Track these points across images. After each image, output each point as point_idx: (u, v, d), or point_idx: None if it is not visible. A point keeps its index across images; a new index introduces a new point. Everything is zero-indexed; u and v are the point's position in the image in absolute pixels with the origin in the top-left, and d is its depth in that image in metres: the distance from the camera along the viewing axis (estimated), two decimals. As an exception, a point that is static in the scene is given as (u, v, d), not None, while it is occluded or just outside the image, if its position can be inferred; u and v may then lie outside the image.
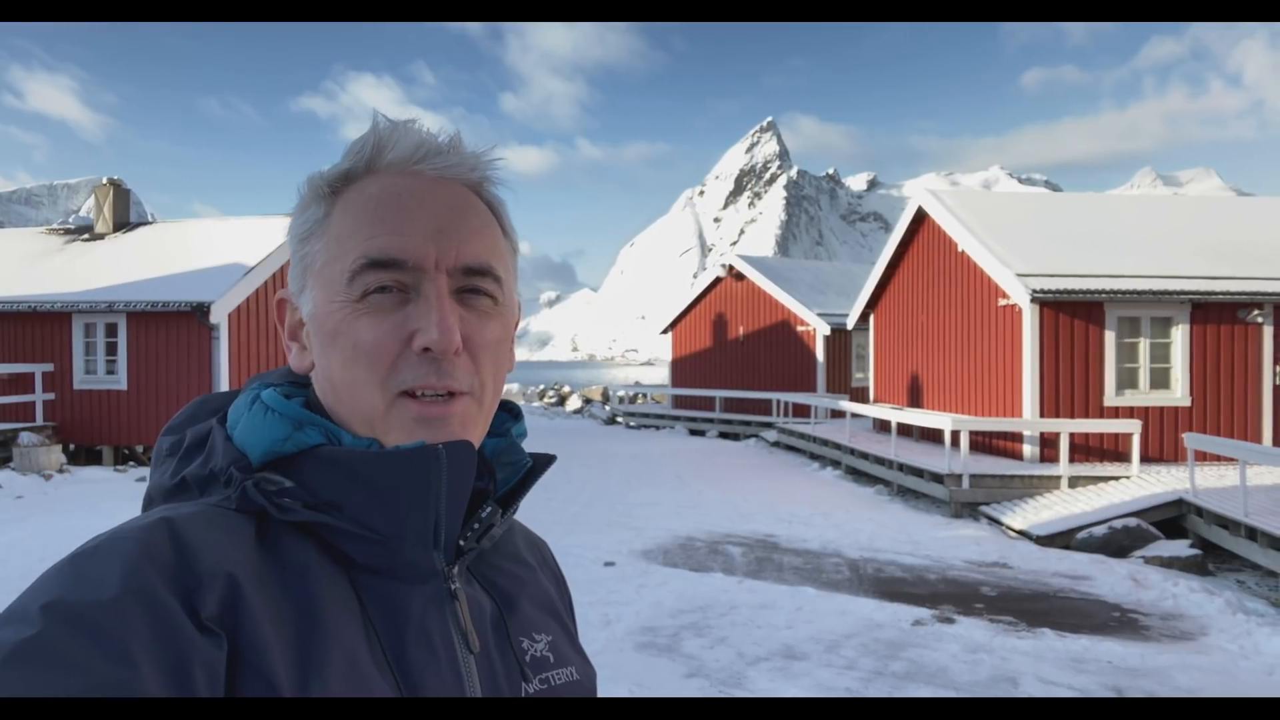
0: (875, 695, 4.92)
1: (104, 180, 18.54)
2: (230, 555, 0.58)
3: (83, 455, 14.83)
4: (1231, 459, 10.17)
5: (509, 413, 0.77)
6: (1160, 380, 11.81)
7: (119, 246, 16.97)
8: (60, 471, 13.06)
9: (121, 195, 18.50)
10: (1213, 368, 11.76)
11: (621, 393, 28.91)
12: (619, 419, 25.78)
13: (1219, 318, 11.78)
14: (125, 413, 14.45)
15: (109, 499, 11.01)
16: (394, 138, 0.69)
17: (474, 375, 0.67)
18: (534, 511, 10.25)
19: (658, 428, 23.54)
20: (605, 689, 4.77)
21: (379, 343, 0.64)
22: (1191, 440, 9.49)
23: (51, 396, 14.53)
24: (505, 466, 0.76)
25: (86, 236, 17.93)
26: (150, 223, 18.74)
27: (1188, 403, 11.70)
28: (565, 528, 9.50)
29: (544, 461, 0.78)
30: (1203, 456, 10.72)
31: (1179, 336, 11.76)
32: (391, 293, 0.65)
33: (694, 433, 22.18)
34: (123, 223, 18.28)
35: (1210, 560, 8.52)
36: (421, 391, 0.65)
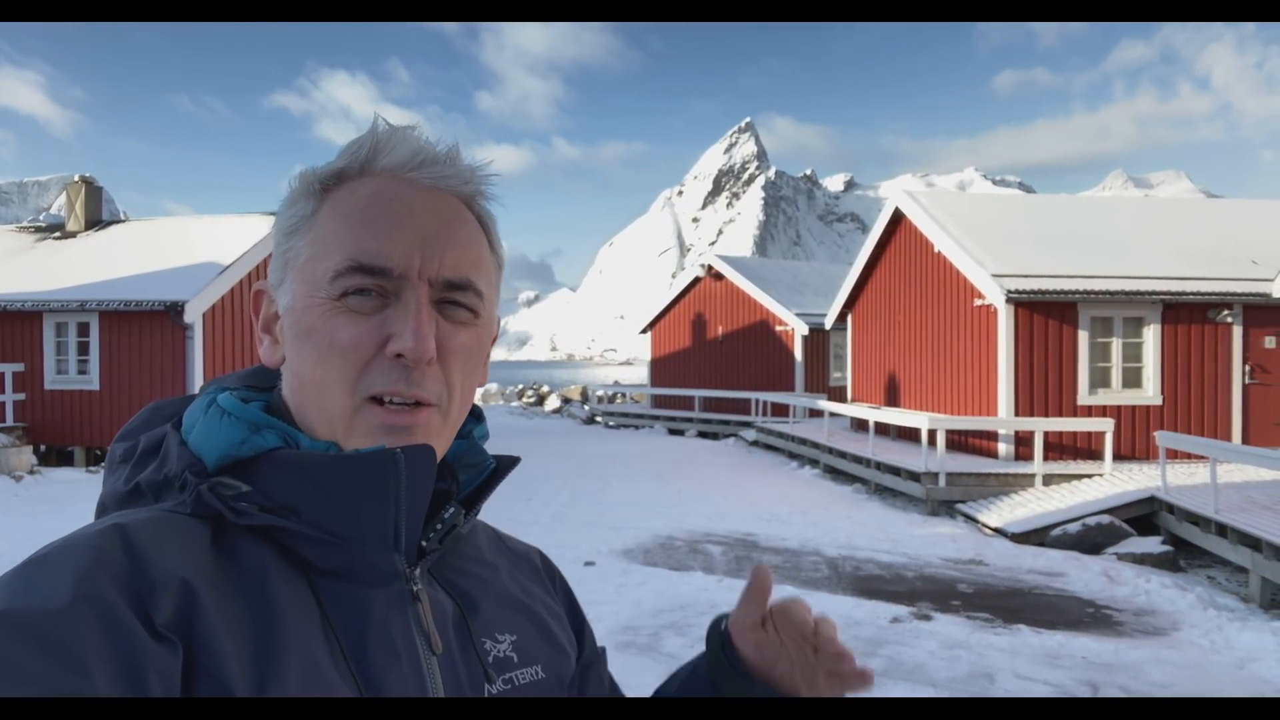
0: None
1: (76, 178, 18.29)
2: (185, 561, 0.57)
3: (54, 456, 14.60)
4: (1202, 457, 10.32)
5: (470, 415, 0.77)
6: (1132, 379, 11.98)
7: (91, 245, 16.74)
8: (31, 473, 12.86)
9: (94, 193, 18.25)
10: (1184, 367, 11.93)
11: (600, 392, 28.90)
12: (598, 418, 25.76)
13: (1190, 318, 11.96)
14: (97, 413, 14.25)
15: (80, 500, 10.85)
16: (392, 142, 0.69)
17: (443, 386, 0.67)
18: (513, 511, 10.23)
19: (637, 427, 23.54)
20: (586, 688, 4.77)
21: (355, 342, 0.64)
22: (1163, 438, 9.63)
23: (22, 397, 14.31)
24: (467, 469, 0.76)
25: (58, 235, 17.67)
26: (123, 221, 18.50)
27: (1159, 401, 11.87)
28: (545, 527, 9.48)
29: (508, 463, 0.78)
30: (1174, 454, 10.87)
31: (1150, 336, 11.93)
32: (371, 296, 0.65)
33: (673, 432, 22.21)
34: (95, 221, 18.04)
35: (1181, 556, 8.65)
36: (389, 398, 0.65)
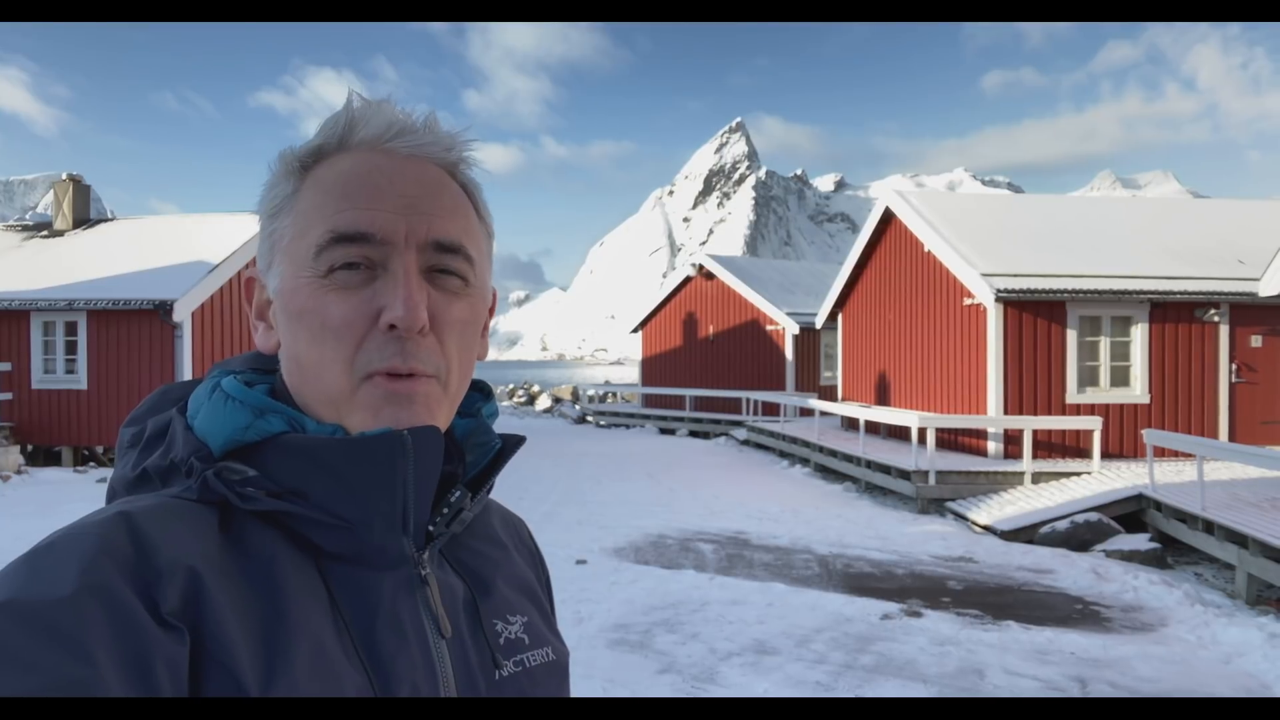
0: (845, 687, 4.98)
1: (63, 176, 18.18)
2: (191, 547, 0.57)
3: (41, 456, 14.51)
4: (1189, 454, 10.40)
5: (479, 391, 0.76)
6: (1120, 378, 12.05)
7: (79, 244, 16.63)
8: (18, 473, 12.78)
9: (81, 191, 18.14)
10: (1171, 366, 12.02)
11: (592, 392, 28.88)
12: (589, 418, 25.76)
13: (1177, 317, 12.04)
14: (85, 413, 14.17)
15: (68, 500, 10.78)
16: (367, 115, 0.68)
17: (440, 358, 0.66)
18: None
19: (628, 426, 23.55)
20: (578, 686, 4.78)
21: (346, 320, 0.63)
22: (1151, 436, 9.69)
23: (9, 396, 14.20)
24: (475, 448, 0.75)
25: (45, 233, 17.56)
26: (110, 219, 18.40)
27: (1147, 400, 11.95)
28: (536, 526, 9.47)
29: (513, 443, 0.77)
30: (1161, 452, 10.96)
31: (1138, 335, 12.01)
32: (359, 269, 0.64)
33: (664, 431, 22.22)
34: (82, 219, 17.94)
35: (1169, 553, 8.71)
36: (387, 374, 0.64)
